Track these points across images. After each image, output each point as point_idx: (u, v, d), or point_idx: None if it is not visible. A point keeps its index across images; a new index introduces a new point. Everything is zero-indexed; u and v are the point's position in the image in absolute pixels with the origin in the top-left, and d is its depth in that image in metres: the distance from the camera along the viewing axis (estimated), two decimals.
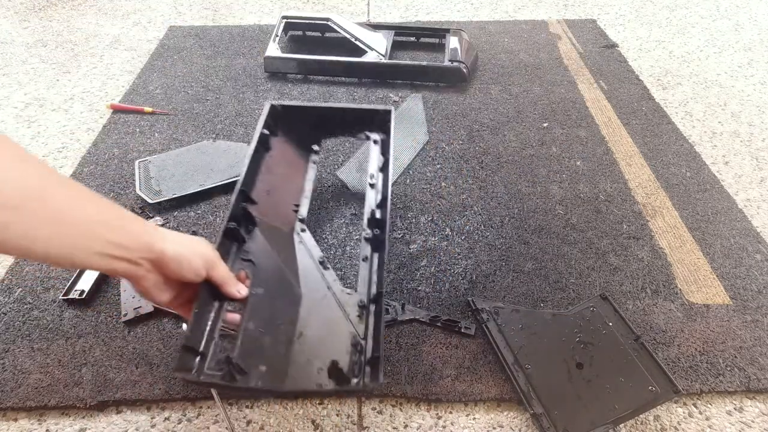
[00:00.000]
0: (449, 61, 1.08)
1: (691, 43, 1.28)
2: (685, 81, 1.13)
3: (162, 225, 0.77)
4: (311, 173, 0.77)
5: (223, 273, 0.49)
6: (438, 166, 0.88)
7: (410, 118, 0.99)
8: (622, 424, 0.54)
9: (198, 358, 0.48)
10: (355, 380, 0.51)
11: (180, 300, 0.48)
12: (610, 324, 0.62)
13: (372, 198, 0.70)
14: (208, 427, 0.55)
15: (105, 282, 0.68)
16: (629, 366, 0.57)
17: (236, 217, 0.61)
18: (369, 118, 0.79)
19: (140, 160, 0.88)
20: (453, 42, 1.14)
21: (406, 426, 0.55)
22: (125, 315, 0.64)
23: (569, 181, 0.85)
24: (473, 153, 0.91)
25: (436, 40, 1.23)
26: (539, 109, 1.02)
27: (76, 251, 0.38)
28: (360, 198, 0.82)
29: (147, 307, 0.64)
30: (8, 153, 0.35)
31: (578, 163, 0.89)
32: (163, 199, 0.79)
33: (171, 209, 0.79)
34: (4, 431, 0.55)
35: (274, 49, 1.11)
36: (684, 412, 0.56)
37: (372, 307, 0.58)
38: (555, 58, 1.19)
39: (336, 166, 0.88)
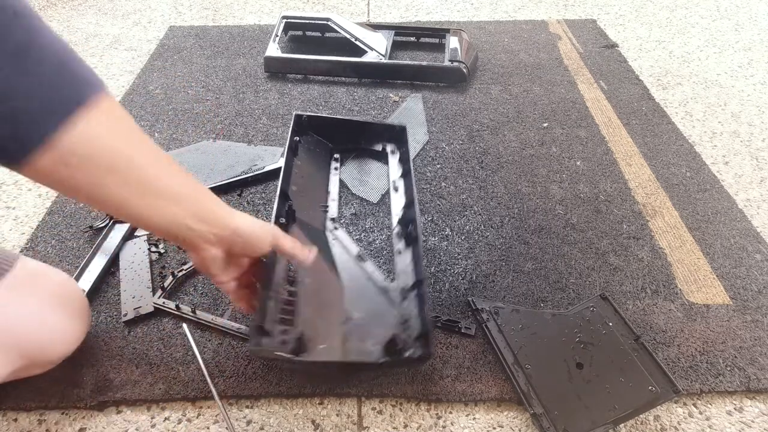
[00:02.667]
0: (449, 61, 1.08)
1: (691, 43, 1.28)
2: (685, 81, 1.13)
3: None
4: (334, 179, 0.84)
5: (291, 242, 0.52)
6: (438, 166, 0.88)
7: (410, 118, 0.99)
8: (622, 424, 0.54)
9: (265, 337, 0.53)
10: (407, 353, 0.55)
11: (232, 280, 0.51)
12: (610, 324, 0.62)
13: (397, 200, 0.79)
14: (208, 427, 0.55)
15: (105, 282, 0.68)
16: (629, 366, 0.57)
17: (280, 213, 0.68)
18: (386, 132, 0.89)
19: None
20: (453, 42, 1.14)
21: (406, 426, 0.55)
22: (125, 315, 0.64)
23: (569, 181, 0.85)
24: (473, 153, 0.91)
25: (436, 40, 1.23)
26: (539, 109, 1.02)
27: (156, 218, 0.40)
28: (360, 197, 0.82)
29: (147, 307, 0.64)
30: (106, 115, 0.36)
31: (578, 163, 0.89)
32: None
33: None
34: (4, 431, 0.55)
35: (274, 49, 1.11)
36: (684, 412, 0.56)
37: (414, 292, 0.63)
38: (555, 58, 1.19)
39: (336, 166, 0.88)
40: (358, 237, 0.75)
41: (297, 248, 0.53)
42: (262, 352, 0.52)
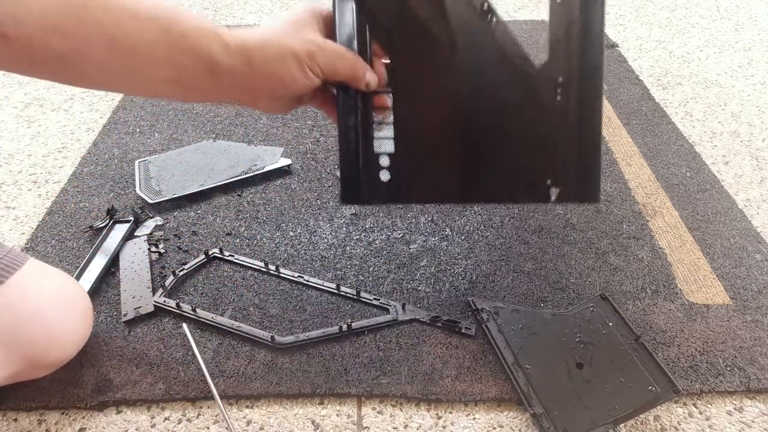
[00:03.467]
0: None
1: (691, 43, 1.28)
2: (685, 81, 1.13)
3: (162, 225, 0.77)
4: None
5: (340, 70, 0.37)
6: None
7: None
8: (622, 424, 0.54)
9: (361, 178, 0.41)
10: (554, 191, 0.41)
11: (311, 97, 0.39)
12: (610, 324, 0.62)
13: None
14: (208, 427, 0.55)
15: (105, 282, 0.68)
16: (629, 366, 0.57)
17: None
18: None
19: (140, 160, 0.88)
20: None
21: (406, 426, 0.55)
22: (125, 315, 0.64)
23: None
24: None
25: None
26: None
27: (135, 77, 0.32)
28: None
29: (147, 307, 0.64)
30: None
31: None
32: (163, 199, 0.79)
33: (171, 209, 0.79)
34: (4, 431, 0.55)
35: None
36: (684, 412, 0.56)
37: (576, 86, 0.40)
38: None
39: (336, 166, 0.88)
40: (332, 235, 0.75)
41: (352, 76, 0.37)
42: (357, 203, 0.42)
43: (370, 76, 0.39)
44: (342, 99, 0.40)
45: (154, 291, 0.66)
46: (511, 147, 0.42)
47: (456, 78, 0.42)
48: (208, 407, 0.57)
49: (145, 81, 0.33)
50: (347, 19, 0.40)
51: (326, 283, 0.68)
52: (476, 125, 0.42)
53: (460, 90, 0.42)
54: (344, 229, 0.76)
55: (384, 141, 0.42)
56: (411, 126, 0.42)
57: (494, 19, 0.42)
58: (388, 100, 0.41)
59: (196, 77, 0.33)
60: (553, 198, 0.42)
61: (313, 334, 0.61)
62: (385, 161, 0.42)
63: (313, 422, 0.55)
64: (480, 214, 0.79)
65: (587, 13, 0.40)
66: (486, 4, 0.41)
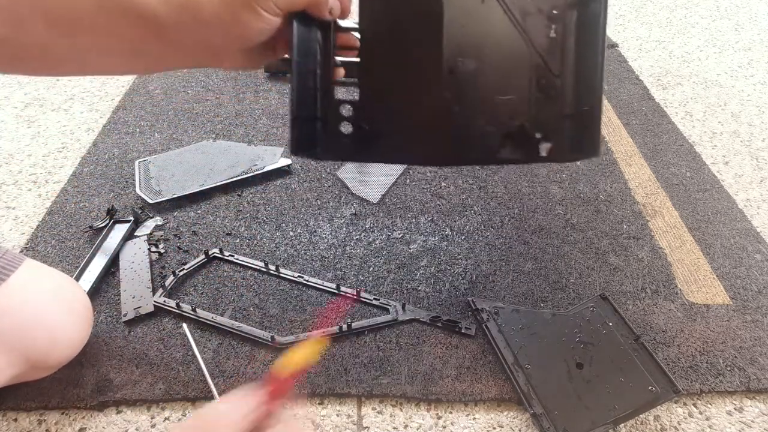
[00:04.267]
0: None
1: (691, 43, 1.28)
2: (685, 81, 1.13)
3: (162, 225, 0.77)
4: None
5: None
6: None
7: None
8: (622, 424, 0.54)
9: (318, 128, 0.35)
10: (545, 145, 0.36)
11: (275, 47, 0.34)
12: (610, 324, 0.62)
13: None
14: None
15: (105, 282, 0.68)
16: (629, 366, 0.57)
17: None
18: None
19: (140, 160, 0.88)
20: None
21: (406, 426, 0.55)
22: (125, 315, 0.64)
23: (569, 181, 0.85)
24: None
25: None
26: None
27: (83, 55, 0.31)
28: (360, 198, 0.81)
29: (147, 307, 0.64)
30: None
31: (578, 163, 0.89)
32: (163, 199, 0.79)
33: (171, 209, 0.79)
34: (4, 431, 0.55)
35: None
36: (684, 412, 0.56)
37: (573, 16, 0.34)
38: None
39: (336, 166, 0.88)
40: (332, 235, 0.75)
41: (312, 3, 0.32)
42: (312, 156, 0.36)
43: (333, 2, 0.34)
44: (299, 32, 0.34)
45: (154, 291, 0.66)
46: (495, 95, 0.36)
47: (432, 15, 0.36)
48: None
49: (95, 57, 0.31)
50: None
51: (326, 283, 0.68)
52: (455, 71, 0.36)
53: (437, 29, 0.36)
54: (344, 229, 0.76)
55: (347, 87, 0.36)
56: (380, 70, 0.36)
57: None
58: (354, 39, 0.36)
59: (142, 41, 0.30)
60: (543, 153, 0.36)
61: (313, 334, 0.61)
62: (347, 111, 0.36)
63: (313, 422, 0.55)
64: (480, 214, 0.79)
65: None
66: None
